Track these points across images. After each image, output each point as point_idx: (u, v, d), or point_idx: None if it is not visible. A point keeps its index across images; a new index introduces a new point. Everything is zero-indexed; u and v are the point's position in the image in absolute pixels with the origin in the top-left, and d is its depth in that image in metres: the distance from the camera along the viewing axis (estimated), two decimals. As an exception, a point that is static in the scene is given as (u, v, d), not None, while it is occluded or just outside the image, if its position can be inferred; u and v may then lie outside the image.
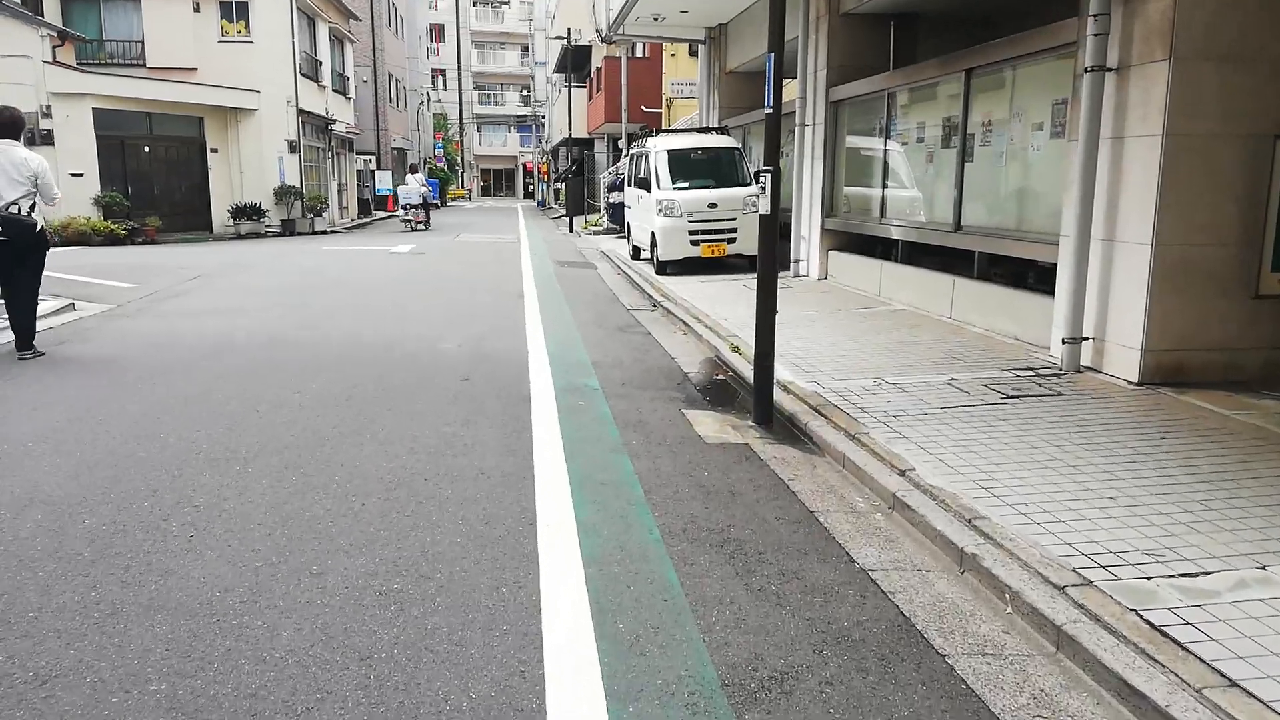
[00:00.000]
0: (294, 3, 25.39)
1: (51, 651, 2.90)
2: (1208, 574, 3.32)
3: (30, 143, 19.91)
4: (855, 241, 11.64)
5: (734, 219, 13.42)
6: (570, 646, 2.96)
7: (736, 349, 7.81)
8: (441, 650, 2.93)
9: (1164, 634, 2.90)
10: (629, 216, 16.74)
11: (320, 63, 28.71)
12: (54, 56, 20.87)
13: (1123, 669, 2.74)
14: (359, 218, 34.10)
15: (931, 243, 9.32)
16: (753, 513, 4.22)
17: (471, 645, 2.96)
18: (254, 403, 6.11)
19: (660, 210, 13.53)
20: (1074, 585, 3.22)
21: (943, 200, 9.16)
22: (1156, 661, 2.76)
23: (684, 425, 5.73)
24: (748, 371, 6.99)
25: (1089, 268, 6.44)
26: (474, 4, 74.42)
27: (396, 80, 44.39)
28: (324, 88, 28.98)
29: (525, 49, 73.44)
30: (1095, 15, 6.21)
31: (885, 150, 10.55)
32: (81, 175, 20.98)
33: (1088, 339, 6.48)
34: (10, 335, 7.85)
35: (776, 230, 5.78)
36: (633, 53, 27.79)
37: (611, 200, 23.77)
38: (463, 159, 67.45)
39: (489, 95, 77.97)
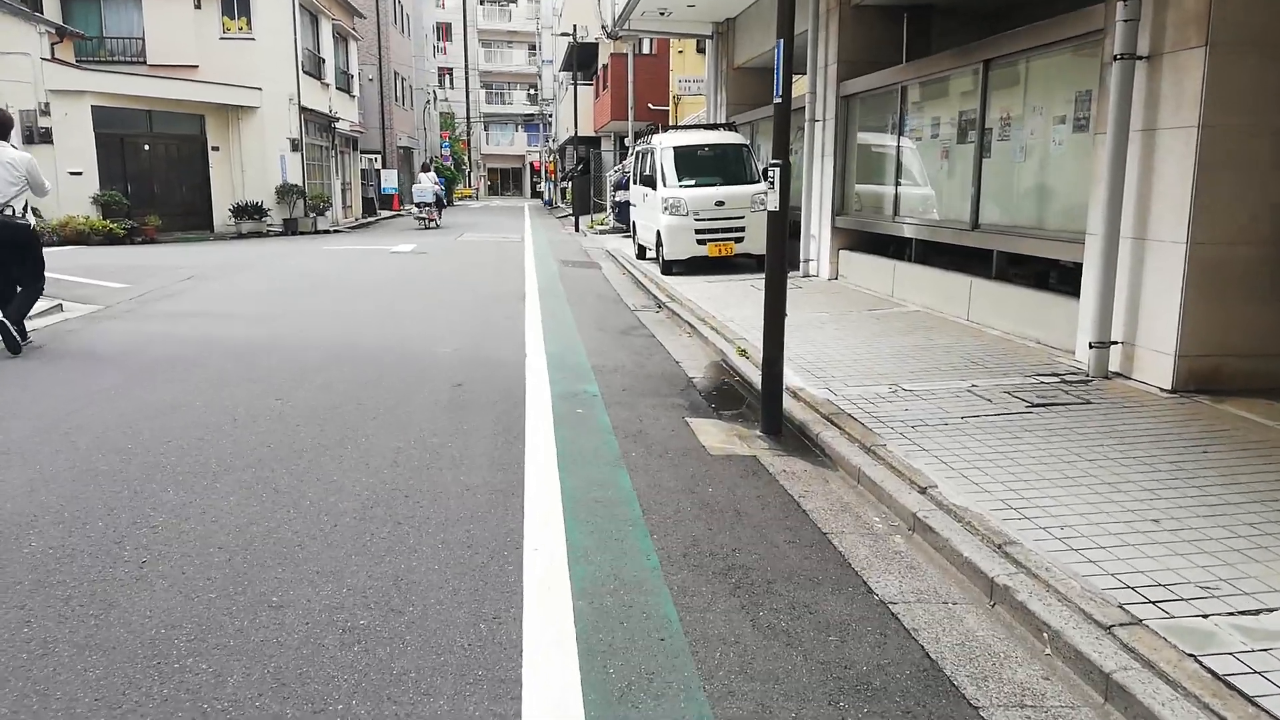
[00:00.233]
0: (296, -1, 25.13)
1: (-34, 701, 2.57)
2: (1271, 611, 2.95)
3: (29, 141, 19.71)
4: (867, 240, 11.27)
5: (742, 217, 13.04)
6: (553, 696, 2.61)
7: (744, 352, 7.45)
8: (406, 701, 2.58)
9: (1229, 685, 2.54)
10: (634, 215, 16.39)
11: (323, 60, 28.42)
12: (52, 53, 20.60)
13: (1187, 730, 2.38)
14: (363, 217, 33.80)
15: (947, 242, 8.95)
16: (760, 535, 3.86)
17: (441, 695, 2.61)
18: (232, 411, 5.78)
19: (666, 208, 13.17)
20: (1122, 624, 2.86)
21: (959, 197, 8.79)
22: (1223, 719, 2.41)
23: (687, 435, 5.38)
24: (755, 376, 6.64)
25: (1118, 268, 6.06)
26: (481, 2, 74.13)
27: (403, 79, 44.10)
28: (327, 85, 28.69)
29: (533, 47, 73.14)
30: (1125, 0, 5.84)
31: (898, 146, 10.17)
32: (80, 174, 20.71)
33: (1116, 343, 6.11)
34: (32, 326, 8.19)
35: (786, 229, 5.43)
36: (639, 49, 27.44)
37: (617, 199, 23.43)
38: (470, 158, 67.18)
39: (496, 94, 77.66)
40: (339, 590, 3.27)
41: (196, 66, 23.78)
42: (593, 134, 37.11)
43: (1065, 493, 4.02)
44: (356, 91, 33.77)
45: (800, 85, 12.05)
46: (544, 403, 6.09)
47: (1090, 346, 6.13)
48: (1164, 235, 5.76)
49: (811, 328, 8.26)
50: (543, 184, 54.02)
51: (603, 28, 24.51)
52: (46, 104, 20.33)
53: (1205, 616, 2.92)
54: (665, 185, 13.48)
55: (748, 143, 14.45)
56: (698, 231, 13.01)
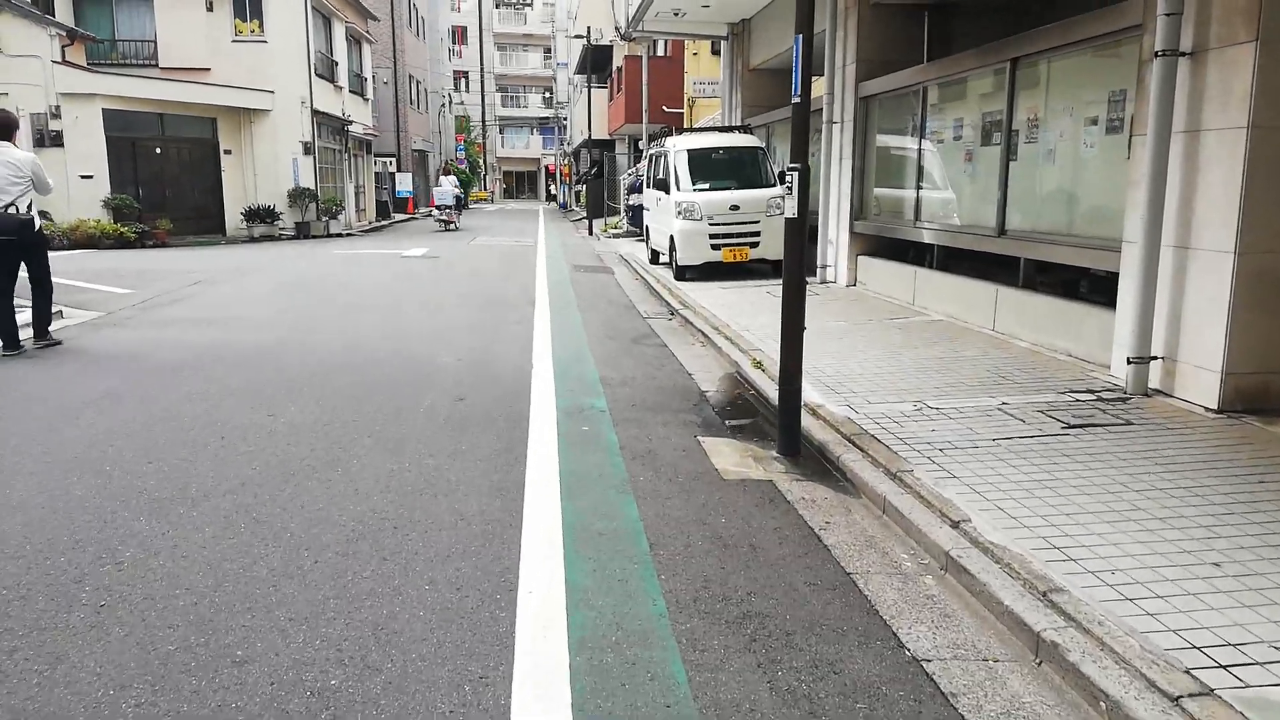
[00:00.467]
0: (309, 2, 24.91)
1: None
2: (1359, 677, 2.60)
3: (39, 144, 19.60)
4: (886, 246, 10.91)
5: (757, 222, 12.70)
6: (542, 778, 2.30)
7: (759, 364, 7.12)
8: (375, 784, 2.27)
9: (1322, 773, 2.19)
10: (648, 219, 16.08)
11: (336, 63, 28.24)
12: (63, 56, 20.47)
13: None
14: (377, 220, 33.61)
15: (972, 248, 8.58)
16: (778, 575, 3.53)
17: (414, 776, 2.30)
18: (221, 428, 5.48)
19: (679, 213, 12.85)
20: (1191, 695, 2.51)
21: (984, 202, 8.42)
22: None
23: (699, 456, 5.05)
24: (771, 390, 6.31)
25: (1158, 278, 5.69)
26: (497, 6, 74.04)
27: (417, 82, 43.95)
28: (340, 88, 28.50)
29: (548, 50, 73.02)
30: (1168, -8, 5.48)
31: (919, 149, 9.81)
32: (91, 177, 20.56)
33: (1156, 358, 5.73)
34: (23, 322, 8.29)
35: (805, 236, 5.10)
36: (654, 51, 27.12)
37: (631, 202, 23.14)
38: (485, 161, 67.04)
39: (511, 97, 77.57)
40: (312, 641, 2.96)
41: (208, 69, 23.63)
42: (607, 137, 36.83)
43: (1112, 529, 3.67)
44: (370, 94, 33.60)
45: (817, 87, 11.69)
46: (549, 419, 5.78)
47: (1128, 362, 5.76)
48: (1209, 244, 5.39)
49: (830, 338, 7.92)
50: (556, 187, 53.73)
51: (616, 29, 24.24)
52: (57, 107, 20.20)
53: (1284, 683, 2.57)
54: (679, 189, 13.16)
55: (763, 145, 14.11)
56: (712, 236, 12.68)
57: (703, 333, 8.84)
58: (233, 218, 23.83)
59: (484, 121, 65.72)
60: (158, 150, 22.68)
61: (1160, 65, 5.55)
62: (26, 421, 5.64)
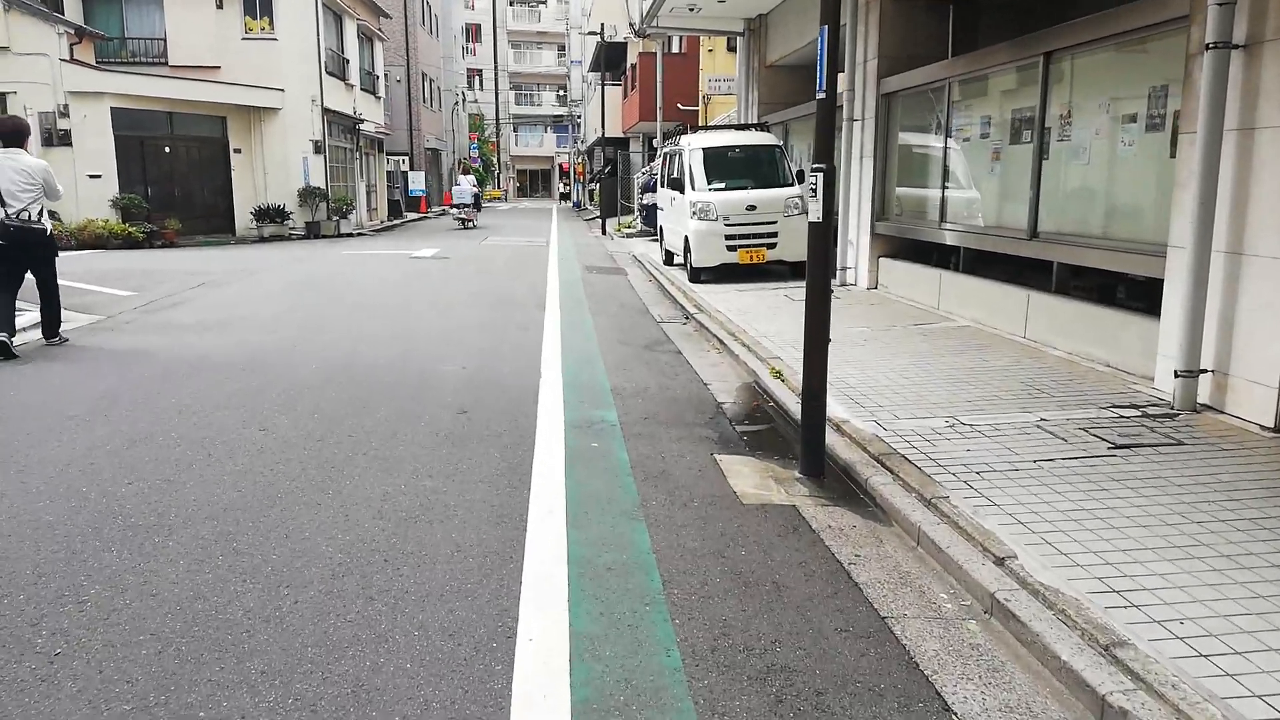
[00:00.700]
0: (320, -1, 24.70)
1: None
2: None
3: (47, 144, 19.41)
4: (908, 248, 10.54)
5: (774, 222, 12.34)
6: None
7: (778, 374, 6.78)
8: None
9: None
10: (662, 219, 15.73)
11: (348, 61, 27.99)
12: (71, 54, 20.25)
13: None
14: (389, 220, 33.37)
15: (1002, 251, 8.19)
16: (805, 619, 3.19)
17: None
18: (209, 444, 5.18)
19: (694, 213, 12.49)
20: (1292, 782, 2.16)
21: (1014, 203, 8.04)
22: None
23: (716, 477, 4.71)
24: (791, 402, 5.98)
25: (1209, 286, 5.31)
26: (511, 3, 73.81)
27: (430, 80, 43.72)
28: (351, 86, 28.25)
29: (562, 48, 72.76)
30: (1220, -20, 5.11)
31: (944, 147, 9.43)
32: (100, 177, 20.34)
33: (1206, 371, 5.36)
34: (19, 326, 8.39)
35: (829, 241, 4.75)
36: (668, 48, 26.77)
37: (645, 202, 22.79)
38: (498, 160, 66.81)
39: (525, 95, 77.33)
40: (284, 700, 2.64)
41: (218, 67, 23.40)
42: (621, 135, 36.49)
43: (1176, 569, 3.32)
44: (382, 93, 33.36)
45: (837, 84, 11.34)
46: (556, 434, 5.45)
47: (1176, 375, 5.39)
48: (1266, 249, 5.01)
49: (852, 344, 7.56)
50: (570, 185, 53.45)
51: (631, 25, 23.88)
52: (65, 106, 19.99)
53: (1398, 766, 2.22)
54: (694, 188, 12.81)
55: (780, 144, 13.73)
56: (728, 237, 12.32)
57: (718, 338, 8.50)
58: (242, 217, 23.61)
59: (498, 120, 65.50)
60: (167, 149, 22.47)
61: (1211, 59, 5.18)
62: (3, 436, 5.35)
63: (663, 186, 15.36)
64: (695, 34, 22.08)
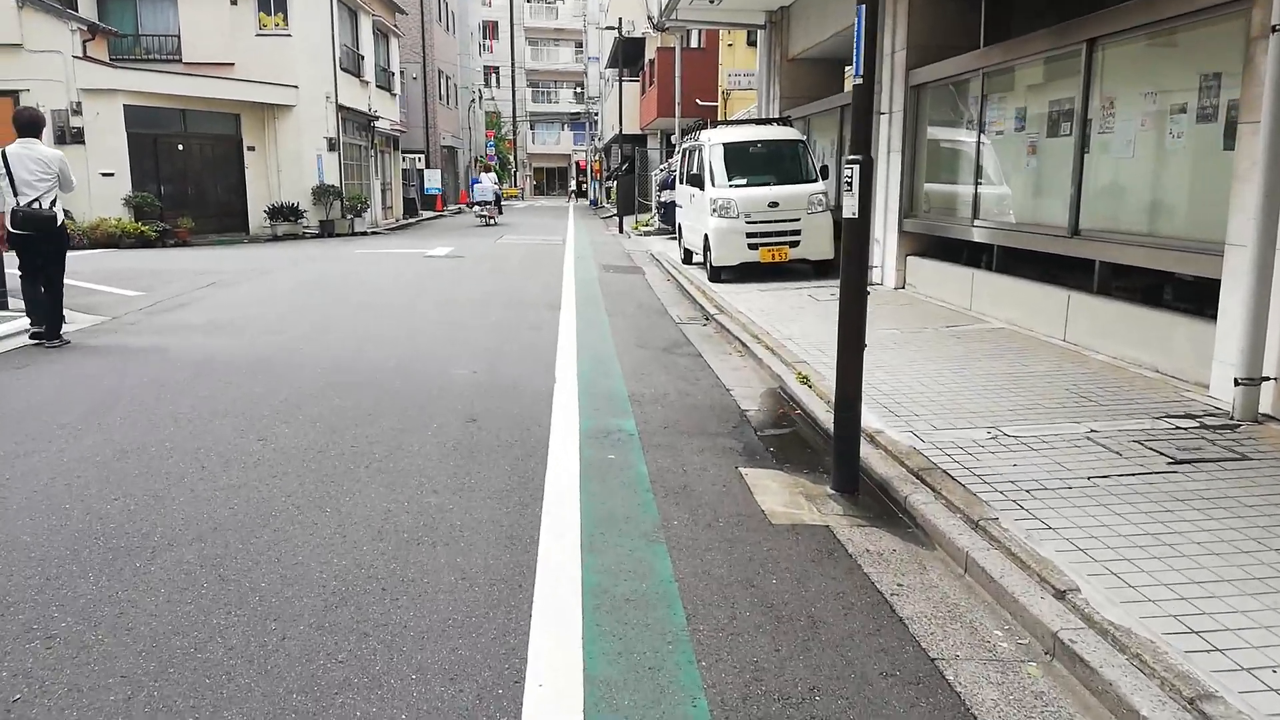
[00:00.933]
0: (335, -5, 24.48)
1: None
2: None
3: (60, 141, 19.25)
4: (937, 245, 10.17)
5: (797, 219, 11.96)
6: None
7: (804, 379, 6.43)
8: None
9: None
10: (680, 217, 15.38)
11: (363, 57, 27.77)
12: (84, 51, 20.10)
13: None
14: (404, 218, 33.16)
15: (1040, 249, 7.81)
16: (845, 661, 2.86)
17: None
18: (203, 456, 4.89)
19: (714, 210, 12.14)
20: None
21: (1053, 199, 7.66)
22: None
23: (742, 494, 4.38)
24: (819, 410, 5.65)
25: (1273, 287, 4.94)
26: (528, 0, 73.57)
27: (447, 77, 43.52)
28: (366, 83, 28.02)
29: (579, 45, 72.46)
30: (1287, -44, 4.73)
31: (977, 141, 9.05)
32: (112, 175, 20.18)
33: (1270, 379, 4.98)
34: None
35: (867, 239, 4.40)
36: (687, 43, 26.41)
37: (663, 199, 22.45)
38: (515, 157, 66.61)
39: (542, 92, 77.10)
40: (260, 760, 2.33)
41: (232, 64, 23.21)
42: (639, 132, 36.13)
43: (1259, 604, 2.97)
44: (398, 90, 33.15)
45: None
46: (571, 444, 5.13)
47: (1236, 383, 5.01)
48: (1337, 248, 4.64)
49: (883, 348, 7.20)
50: (588, 184, 53.13)
51: (649, 20, 23.54)
52: (78, 103, 19.84)
53: None
54: (714, 185, 12.46)
55: (804, 138, 13.36)
56: (749, 235, 11.96)
57: (740, 340, 8.16)
58: (256, 216, 23.42)
59: (514, 117, 65.29)
60: (180, 147, 22.30)
61: (1277, 42, 4.80)
62: (-7, 445, 5.08)
63: (681, 183, 15.01)
64: (715, 27, 21.74)
